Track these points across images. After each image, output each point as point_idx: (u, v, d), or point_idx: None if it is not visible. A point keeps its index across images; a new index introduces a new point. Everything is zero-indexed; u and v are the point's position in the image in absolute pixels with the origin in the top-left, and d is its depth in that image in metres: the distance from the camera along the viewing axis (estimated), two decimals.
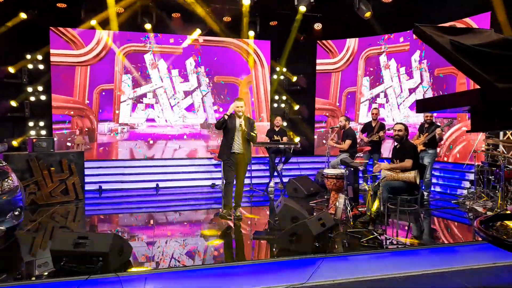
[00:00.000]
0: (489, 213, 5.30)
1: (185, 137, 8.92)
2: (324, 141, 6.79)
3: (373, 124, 7.59)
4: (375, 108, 7.84)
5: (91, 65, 8.33)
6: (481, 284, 3.57)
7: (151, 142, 8.69)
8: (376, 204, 4.71)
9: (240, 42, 9.22)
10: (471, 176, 6.83)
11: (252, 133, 5.16)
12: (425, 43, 1.54)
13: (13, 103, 7.76)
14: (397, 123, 5.10)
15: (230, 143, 5.14)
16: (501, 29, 6.01)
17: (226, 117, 5.09)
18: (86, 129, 8.35)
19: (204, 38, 8.96)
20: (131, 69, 8.50)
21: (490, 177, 6.07)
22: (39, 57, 7.97)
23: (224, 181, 5.31)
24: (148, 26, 8.35)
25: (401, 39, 8.74)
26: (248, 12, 8.59)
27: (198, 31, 8.76)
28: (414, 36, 8.44)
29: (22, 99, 7.88)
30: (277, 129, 8.03)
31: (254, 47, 9.35)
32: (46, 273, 3.28)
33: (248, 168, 7.80)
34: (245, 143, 5.18)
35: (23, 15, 7.48)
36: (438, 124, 6.74)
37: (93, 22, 8.03)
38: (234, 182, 5.21)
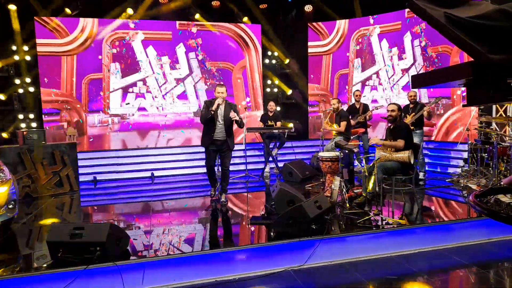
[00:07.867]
0: None
1: (183, 130, 8.86)
2: (321, 126, 6.79)
3: (357, 106, 7.67)
4: (357, 90, 7.90)
5: (77, 55, 8.15)
6: (477, 260, 3.62)
7: (144, 131, 8.63)
8: (371, 185, 4.74)
9: (231, 26, 9.09)
10: (465, 155, 6.87)
11: (238, 118, 5.08)
12: (419, 17, 1.51)
13: (1, 96, 7.61)
14: (390, 103, 5.08)
15: (212, 130, 5.09)
16: None
17: (212, 112, 4.97)
18: (75, 121, 8.20)
19: (194, 23, 8.81)
20: None
21: (483, 154, 6.11)
22: (25, 48, 7.79)
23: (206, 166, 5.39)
24: (131, 11, 8.18)
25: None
26: None
27: (187, 16, 8.59)
28: (407, 14, 8.37)
29: (10, 92, 7.73)
30: (271, 114, 7.99)
31: (245, 31, 9.21)
32: (44, 265, 3.26)
33: (243, 154, 7.85)
34: (227, 130, 5.13)
35: (11, 7, 7.30)
36: (423, 103, 6.73)
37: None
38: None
